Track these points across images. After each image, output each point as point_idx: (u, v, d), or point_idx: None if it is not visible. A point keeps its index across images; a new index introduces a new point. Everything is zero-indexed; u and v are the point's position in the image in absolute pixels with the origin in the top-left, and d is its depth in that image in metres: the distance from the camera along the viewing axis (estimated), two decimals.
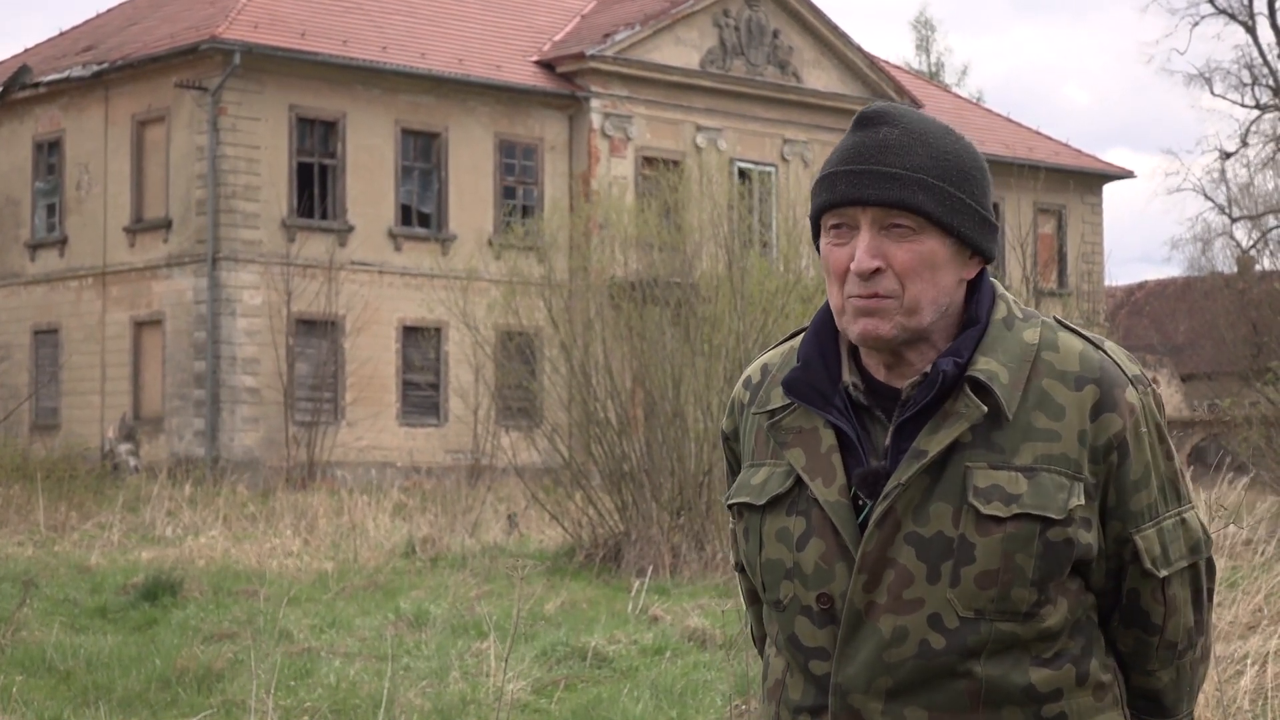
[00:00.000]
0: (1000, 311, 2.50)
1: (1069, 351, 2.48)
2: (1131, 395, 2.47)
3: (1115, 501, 2.46)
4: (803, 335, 2.60)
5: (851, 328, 2.44)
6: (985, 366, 2.43)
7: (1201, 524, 2.55)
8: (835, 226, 2.46)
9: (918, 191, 2.41)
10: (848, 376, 2.49)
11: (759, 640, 2.79)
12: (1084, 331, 2.53)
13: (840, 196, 2.44)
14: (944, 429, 2.41)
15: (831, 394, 2.49)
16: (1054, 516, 2.39)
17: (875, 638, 2.40)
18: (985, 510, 2.38)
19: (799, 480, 2.49)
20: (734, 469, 2.68)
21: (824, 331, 2.54)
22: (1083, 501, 2.42)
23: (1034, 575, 2.39)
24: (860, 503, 2.44)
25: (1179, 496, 2.52)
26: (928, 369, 2.44)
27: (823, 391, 2.49)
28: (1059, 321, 2.53)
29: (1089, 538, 2.44)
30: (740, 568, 2.73)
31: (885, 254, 2.42)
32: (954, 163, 2.45)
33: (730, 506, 2.60)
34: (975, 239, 2.46)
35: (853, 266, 2.42)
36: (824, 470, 2.46)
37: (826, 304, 2.56)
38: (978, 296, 2.50)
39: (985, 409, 2.41)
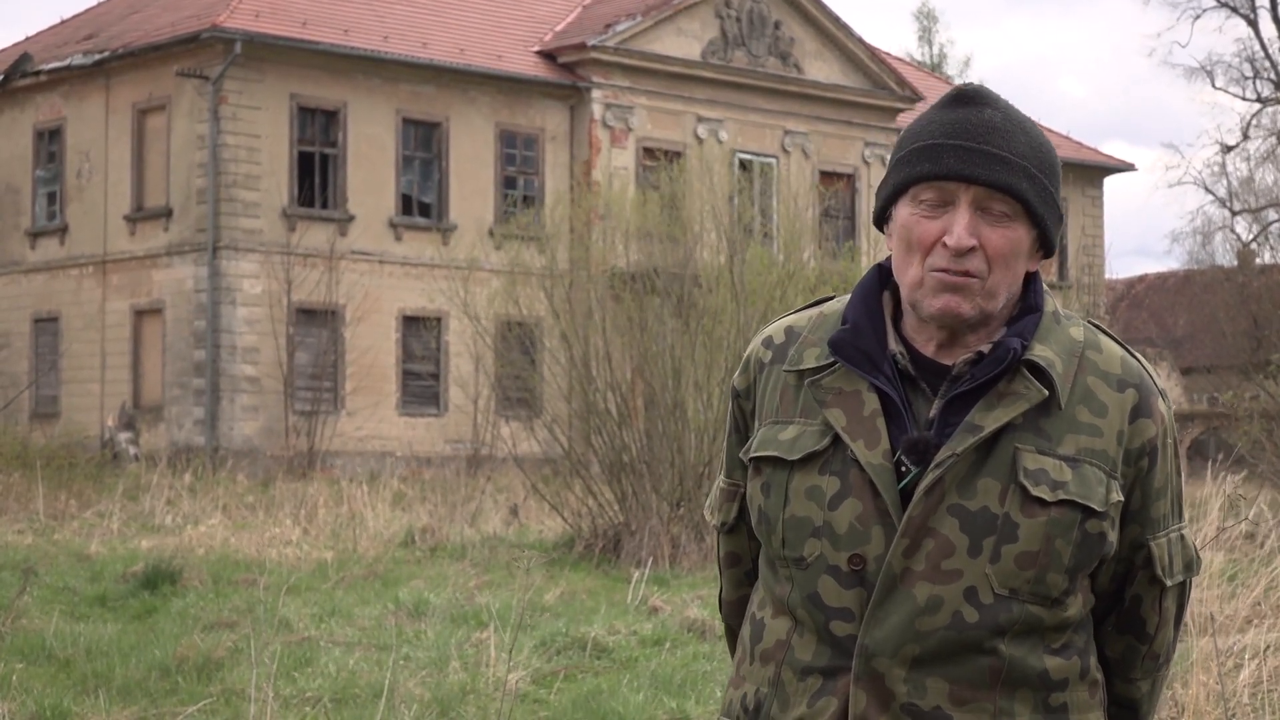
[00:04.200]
0: (1050, 305, 2.52)
1: (1111, 354, 2.50)
2: (1162, 406, 2.50)
3: (1139, 505, 2.50)
4: (839, 300, 2.58)
5: (930, 301, 2.43)
6: (1043, 353, 2.44)
7: (1193, 544, 2.60)
8: (928, 199, 2.44)
9: (1022, 179, 2.42)
10: (894, 345, 2.48)
11: (729, 604, 2.75)
12: (1118, 338, 2.56)
13: (946, 170, 2.42)
14: (1000, 407, 2.41)
15: (880, 360, 2.47)
16: (1096, 508, 2.42)
17: (909, 604, 2.40)
18: (1034, 491, 2.39)
19: (836, 440, 2.47)
20: (739, 426, 2.65)
21: (869, 299, 2.53)
22: (1118, 499, 2.45)
23: (1069, 563, 2.42)
24: (903, 469, 2.43)
25: (1181, 513, 2.57)
26: (983, 348, 2.44)
27: (871, 356, 2.48)
28: (1095, 325, 2.55)
29: (1114, 536, 2.47)
30: (725, 528, 2.69)
31: (980, 235, 2.41)
32: (1046, 155, 2.47)
33: (753, 460, 2.56)
34: (1051, 234, 2.48)
35: (950, 242, 2.40)
36: (867, 433, 2.45)
37: (871, 272, 2.56)
38: (1035, 287, 2.51)
39: (1046, 393, 2.42)
